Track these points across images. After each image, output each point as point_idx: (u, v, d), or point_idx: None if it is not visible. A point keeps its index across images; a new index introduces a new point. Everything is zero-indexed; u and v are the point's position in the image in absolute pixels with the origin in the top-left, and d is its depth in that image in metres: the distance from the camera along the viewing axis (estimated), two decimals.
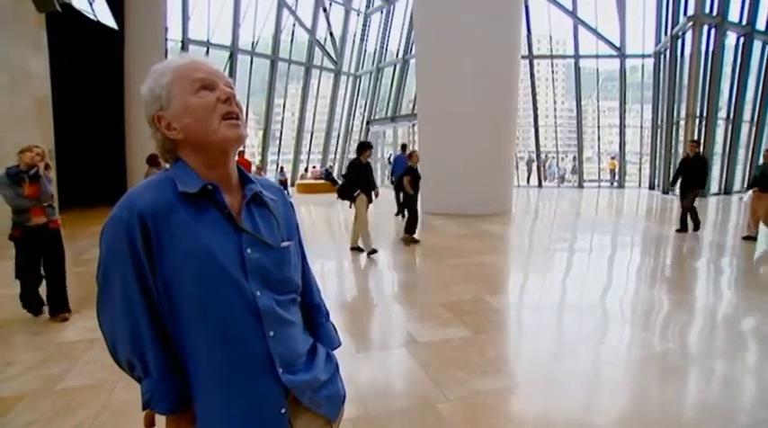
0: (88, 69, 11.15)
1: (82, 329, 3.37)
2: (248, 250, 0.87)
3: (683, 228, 7.25)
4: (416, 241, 6.67)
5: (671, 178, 7.99)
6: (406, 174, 6.62)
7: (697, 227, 7.21)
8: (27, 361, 2.87)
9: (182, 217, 0.83)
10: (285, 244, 0.95)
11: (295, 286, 0.98)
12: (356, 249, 6.10)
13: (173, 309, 0.84)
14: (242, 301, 0.85)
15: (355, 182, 5.83)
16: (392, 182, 10.93)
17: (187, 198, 0.84)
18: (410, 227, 6.64)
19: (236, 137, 0.86)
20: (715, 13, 12.73)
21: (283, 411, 0.89)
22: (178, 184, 0.84)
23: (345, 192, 5.91)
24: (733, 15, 13.12)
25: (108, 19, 11.75)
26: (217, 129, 0.84)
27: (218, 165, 0.89)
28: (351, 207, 5.95)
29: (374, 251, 5.88)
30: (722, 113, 13.64)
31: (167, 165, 0.92)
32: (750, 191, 6.63)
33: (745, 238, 6.56)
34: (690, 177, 7.14)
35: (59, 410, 2.30)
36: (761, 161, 6.61)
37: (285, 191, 1.07)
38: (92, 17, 11.39)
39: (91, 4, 11.27)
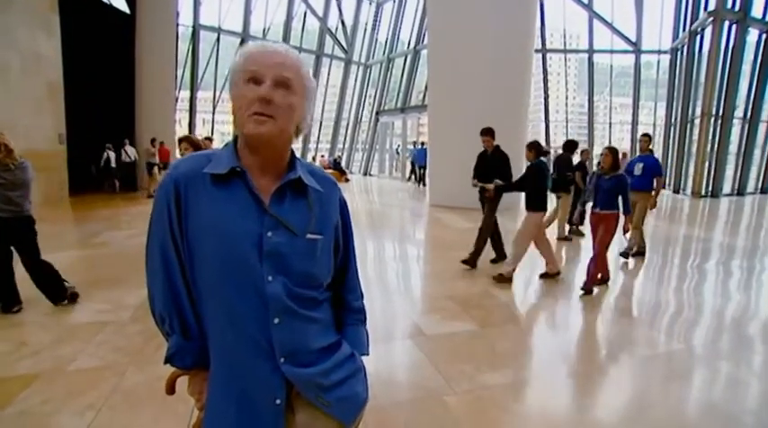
0: (99, 53, 11.16)
1: (94, 311, 3.42)
2: (269, 233, 0.87)
3: (471, 260, 4.94)
4: (582, 234, 6.92)
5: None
6: (577, 170, 6.72)
7: (476, 257, 4.95)
8: (40, 341, 2.92)
9: (210, 191, 0.87)
10: (312, 236, 0.91)
11: (317, 283, 0.95)
12: (565, 238, 6.61)
13: (193, 276, 0.89)
14: (252, 283, 0.85)
15: (573, 177, 6.45)
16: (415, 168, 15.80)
17: (216, 177, 0.88)
18: (580, 219, 6.73)
19: (254, 134, 0.86)
20: (737, 8, 12.38)
21: (278, 402, 0.88)
22: (209, 165, 0.89)
23: (560, 186, 6.41)
24: (756, 11, 12.72)
25: (120, 3, 11.75)
26: (245, 122, 0.87)
27: (256, 152, 0.91)
28: (558, 199, 6.55)
29: (569, 238, 6.63)
30: (738, 112, 13.35)
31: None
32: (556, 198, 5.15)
33: (498, 279, 4.39)
34: (487, 178, 4.92)
35: (72, 391, 2.33)
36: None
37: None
38: (105, 0, 11.40)
39: None
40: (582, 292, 4.10)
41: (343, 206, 1.03)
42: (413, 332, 3.24)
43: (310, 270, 0.92)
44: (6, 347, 2.82)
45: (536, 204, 4.47)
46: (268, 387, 0.88)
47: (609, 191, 4.17)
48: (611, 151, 4.25)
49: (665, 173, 15.45)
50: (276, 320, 0.86)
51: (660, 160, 6.56)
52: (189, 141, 3.41)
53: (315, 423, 0.93)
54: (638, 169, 5.45)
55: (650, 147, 5.68)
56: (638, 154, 5.93)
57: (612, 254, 5.13)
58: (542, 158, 4.51)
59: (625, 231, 4.36)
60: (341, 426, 0.95)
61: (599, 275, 4.29)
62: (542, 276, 4.62)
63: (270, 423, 0.88)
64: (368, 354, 1.07)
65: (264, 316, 0.86)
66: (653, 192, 5.47)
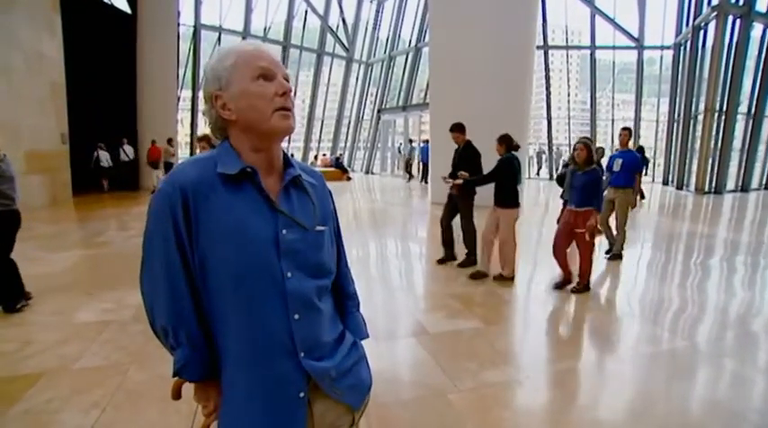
0: (101, 53, 11.17)
1: (98, 311, 3.43)
2: (284, 231, 0.88)
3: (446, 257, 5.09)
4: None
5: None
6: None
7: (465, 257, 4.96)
8: (45, 340, 2.94)
9: (220, 195, 0.86)
10: (320, 228, 0.95)
11: (328, 271, 0.99)
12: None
13: (205, 283, 0.87)
14: (271, 281, 0.86)
15: None
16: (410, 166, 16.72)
17: (227, 178, 0.87)
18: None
19: (286, 128, 0.90)
20: (742, 2, 12.26)
21: (302, 395, 0.91)
22: (218, 165, 0.87)
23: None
24: (761, 5, 12.56)
25: (121, 2, 11.76)
26: (269, 118, 0.88)
27: (264, 150, 0.91)
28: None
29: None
30: (742, 108, 13.25)
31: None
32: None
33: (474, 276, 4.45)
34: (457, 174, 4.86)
35: (76, 389, 2.35)
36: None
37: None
38: (106, 0, 11.41)
39: None
40: (575, 291, 4.05)
41: (331, 196, 1.09)
42: (416, 330, 3.25)
43: (321, 260, 0.96)
44: (11, 346, 2.84)
45: (507, 200, 4.38)
46: (292, 382, 0.89)
47: (584, 186, 3.93)
48: (586, 145, 3.98)
49: (668, 169, 15.46)
50: (296, 316, 0.88)
51: (650, 157, 6.29)
52: (208, 141, 3.26)
53: (329, 412, 0.96)
54: (617, 165, 5.24)
55: (630, 141, 5.44)
56: (617, 149, 5.63)
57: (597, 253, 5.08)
58: (513, 152, 4.46)
59: (593, 228, 3.98)
60: (350, 412, 0.99)
61: (583, 272, 4.11)
62: (496, 277, 4.40)
63: (295, 415, 0.90)
64: (368, 336, 1.13)
65: (284, 313, 0.87)
66: (633, 190, 5.28)
